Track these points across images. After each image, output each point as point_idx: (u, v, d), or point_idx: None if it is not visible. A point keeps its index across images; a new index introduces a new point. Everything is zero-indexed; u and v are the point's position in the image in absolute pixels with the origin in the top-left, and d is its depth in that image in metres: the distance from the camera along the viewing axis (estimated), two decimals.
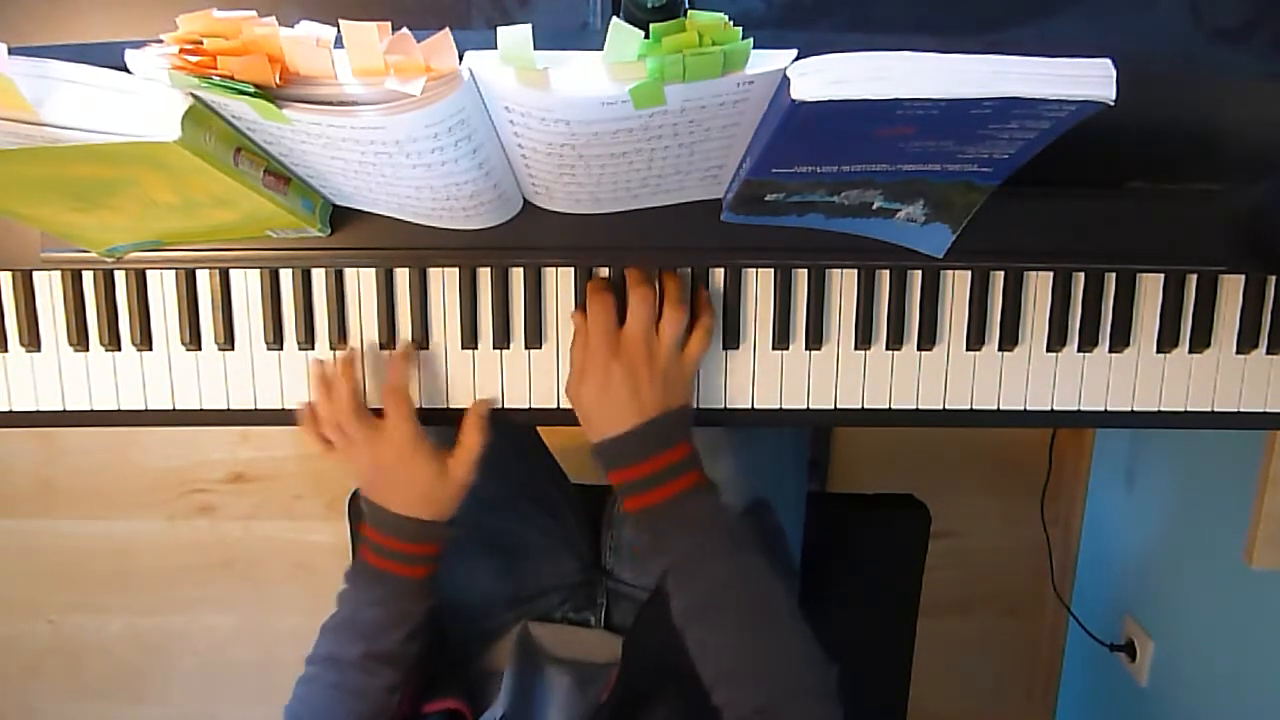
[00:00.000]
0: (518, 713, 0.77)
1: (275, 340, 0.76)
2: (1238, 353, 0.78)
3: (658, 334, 0.71)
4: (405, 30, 0.46)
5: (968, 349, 0.78)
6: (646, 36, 0.46)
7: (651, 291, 0.71)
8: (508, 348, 0.77)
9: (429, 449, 0.74)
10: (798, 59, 0.47)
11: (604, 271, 0.76)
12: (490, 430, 0.76)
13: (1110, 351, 0.78)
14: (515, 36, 0.46)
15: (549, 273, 0.75)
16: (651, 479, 0.71)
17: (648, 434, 0.70)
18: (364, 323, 0.76)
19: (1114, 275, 0.77)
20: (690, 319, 0.73)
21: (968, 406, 0.78)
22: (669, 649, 0.74)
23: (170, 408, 0.77)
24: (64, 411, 0.77)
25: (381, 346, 0.76)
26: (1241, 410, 0.79)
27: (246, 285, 0.76)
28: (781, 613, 0.70)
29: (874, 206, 0.65)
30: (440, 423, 0.78)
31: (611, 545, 0.96)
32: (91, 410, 0.77)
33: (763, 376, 0.78)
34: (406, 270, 0.75)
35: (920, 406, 0.78)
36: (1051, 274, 0.77)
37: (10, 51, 0.48)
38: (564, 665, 0.87)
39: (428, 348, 0.77)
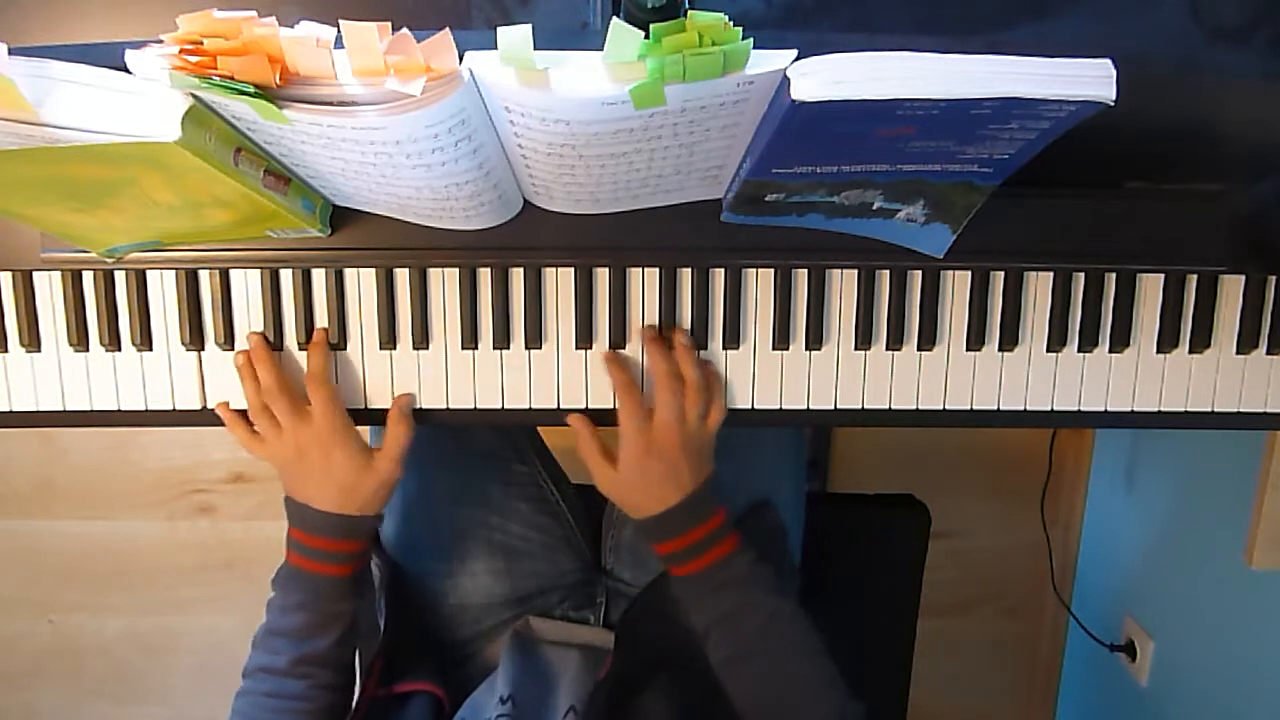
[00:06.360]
0: (523, 690, 0.78)
1: (276, 340, 0.76)
2: (1238, 353, 0.78)
3: (685, 418, 0.74)
4: (405, 30, 0.46)
5: (968, 349, 0.77)
6: (646, 37, 0.46)
7: (677, 383, 0.74)
8: (508, 348, 0.77)
9: (354, 439, 0.74)
10: (798, 59, 0.47)
11: (607, 331, 0.76)
12: (415, 423, 0.76)
13: (1110, 352, 0.78)
14: (515, 36, 0.46)
15: (549, 273, 0.75)
16: (695, 547, 0.75)
17: (688, 508, 0.75)
18: (364, 323, 0.76)
19: (1114, 275, 0.77)
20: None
21: (968, 406, 0.78)
22: (665, 634, 0.75)
23: (170, 408, 0.77)
24: (64, 411, 0.77)
25: (381, 347, 0.76)
26: (1241, 410, 0.79)
27: (246, 285, 0.76)
28: (813, 649, 0.74)
29: (874, 206, 0.65)
30: (441, 424, 0.78)
31: (611, 545, 0.96)
32: (91, 410, 0.77)
33: (763, 376, 0.78)
34: (406, 270, 0.75)
35: (920, 406, 0.78)
36: (1051, 274, 0.77)
37: (10, 51, 0.49)
38: (565, 647, 0.88)
39: (428, 348, 0.77)
